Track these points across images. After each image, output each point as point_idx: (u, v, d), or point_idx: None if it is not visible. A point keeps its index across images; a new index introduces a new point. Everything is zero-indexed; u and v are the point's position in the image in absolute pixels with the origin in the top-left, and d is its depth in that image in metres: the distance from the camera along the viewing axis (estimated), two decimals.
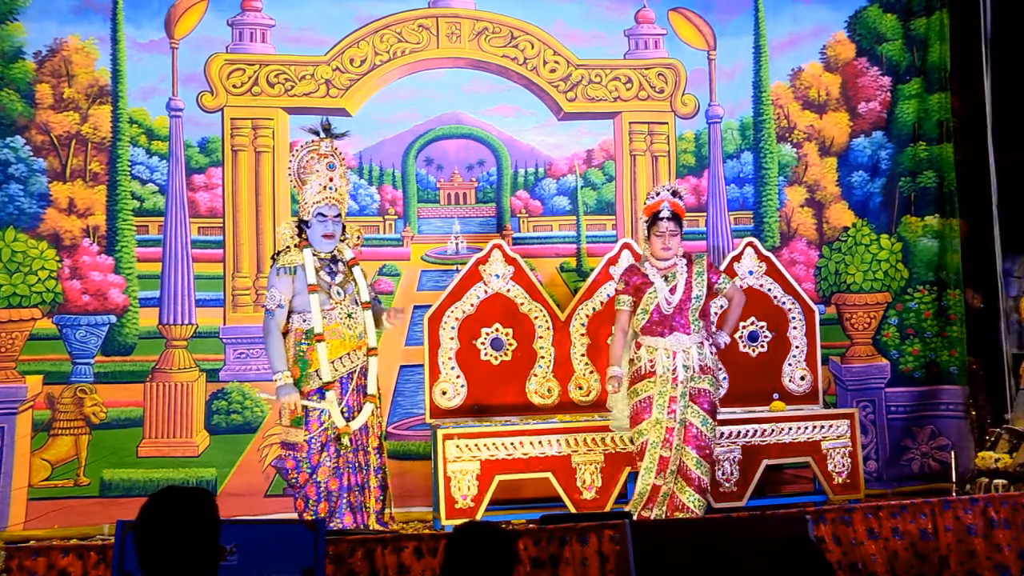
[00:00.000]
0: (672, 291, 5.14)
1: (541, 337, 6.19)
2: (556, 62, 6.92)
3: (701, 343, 5.15)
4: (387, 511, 4.82)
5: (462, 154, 6.83)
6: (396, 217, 6.68)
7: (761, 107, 7.11)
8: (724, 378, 6.31)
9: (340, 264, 4.85)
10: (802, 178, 7.14)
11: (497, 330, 6.16)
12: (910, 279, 7.13)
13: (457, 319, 6.09)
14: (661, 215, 5.18)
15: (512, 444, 5.68)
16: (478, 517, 5.18)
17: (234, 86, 6.54)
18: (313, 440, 4.67)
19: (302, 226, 4.84)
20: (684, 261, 5.23)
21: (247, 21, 6.60)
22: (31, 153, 6.21)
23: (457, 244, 6.74)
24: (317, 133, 4.88)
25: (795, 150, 7.14)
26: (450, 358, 6.05)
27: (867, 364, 7.05)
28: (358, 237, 5.03)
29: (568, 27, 6.95)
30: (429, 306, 6.15)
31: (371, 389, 4.79)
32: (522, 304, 6.18)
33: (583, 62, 6.94)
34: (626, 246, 6.34)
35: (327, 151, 4.81)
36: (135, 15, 6.41)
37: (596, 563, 4.00)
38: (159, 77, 6.43)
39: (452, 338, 6.08)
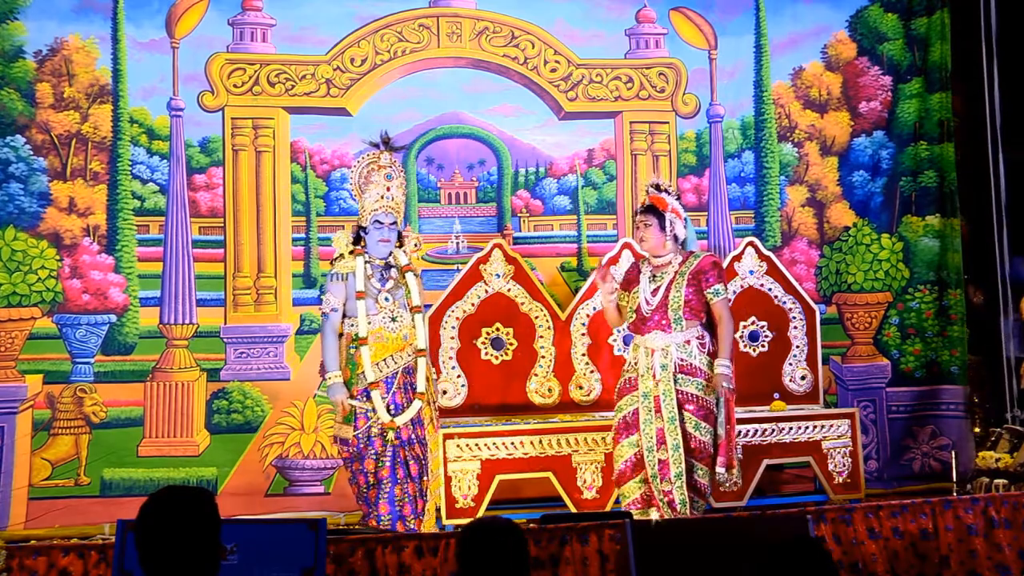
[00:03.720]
0: (654, 292, 5.09)
1: (542, 337, 6.19)
2: (557, 61, 6.92)
3: (687, 342, 5.04)
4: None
5: (463, 154, 6.83)
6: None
7: (762, 106, 7.11)
8: None
9: (393, 270, 5.03)
10: (803, 177, 7.14)
11: (498, 330, 6.16)
12: (911, 279, 7.12)
13: (458, 319, 6.09)
14: (637, 208, 5.27)
15: (512, 444, 5.68)
16: (479, 517, 5.18)
17: (235, 86, 6.54)
18: (360, 435, 4.86)
19: (360, 232, 5.03)
20: (679, 259, 5.13)
21: (248, 21, 6.60)
22: (31, 152, 6.21)
23: (458, 243, 6.74)
24: (377, 146, 5.06)
25: (796, 149, 7.14)
26: (451, 357, 6.05)
27: (868, 364, 7.04)
28: (416, 245, 5.22)
29: (569, 27, 6.95)
30: (430, 306, 6.14)
31: (420, 387, 4.94)
32: (523, 304, 6.18)
33: (584, 61, 6.94)
34: (627, 246, 6.33)
35: (386, 163, 5.02)
36: (135, 14, 6.41)
37: (596, 562, 4.00)
38: (160, 76, 6.43)
39: (453, 337, 6.08)
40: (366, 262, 4.96)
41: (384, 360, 4.90)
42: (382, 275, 4.98)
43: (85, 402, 6.15)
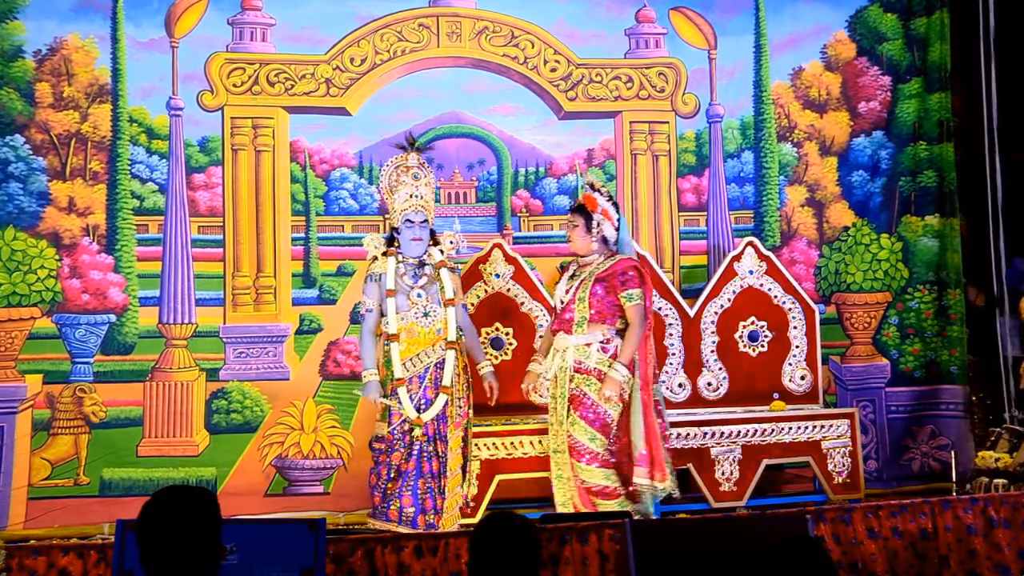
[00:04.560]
0: (567, 291, 5.13)
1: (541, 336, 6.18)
2: (557, 61, 6.92)
3: (588, 344, 5.01)
4: (467, 495, 5.19)
5: (462, 153, 6.83)
6: None
7: (762, 106, 7.11)
8: (725, 378, 6.32)
9: (427, 267, 5.11)
10: (802, 177, 7.14)
11: (497, 329, 6.16)
12: (910, 279, 7.12)
13: None
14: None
15: (512, 444, 5.68)
16: (478, 517, 5.18)
17: (234, 85, 6.54)
18: (395, 431, 4.94)
19: (393, 234, 5.14)
20: (599, 259, 5.11)
21: (247, 20, 6.60)
22: (31, 152, 6.20)
23: (457, 243, 6.73)
24: (404, 148, 5.16)
25: (795, 149, 7.14)
26: None
27: (867, 364, 7.04)
28: (451, 243, 5.28)
29: (569, 26, 6.95)
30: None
31: (446, 381, 4.98)
32: (522, 303, 6.18)
33: (584, 61, 6.94)
34: None
35: (413, 164, 5.13)
36: (135, 14, 6.41)
37: (596, 562, 4.00)
38: (159, 76, 6.43)
39: None
40: (399, 261, 5.05)
41: (417, 355, 4.97)
42: (415, 272, 5.07)
43: (85, 402, 6.15)
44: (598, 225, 5.10)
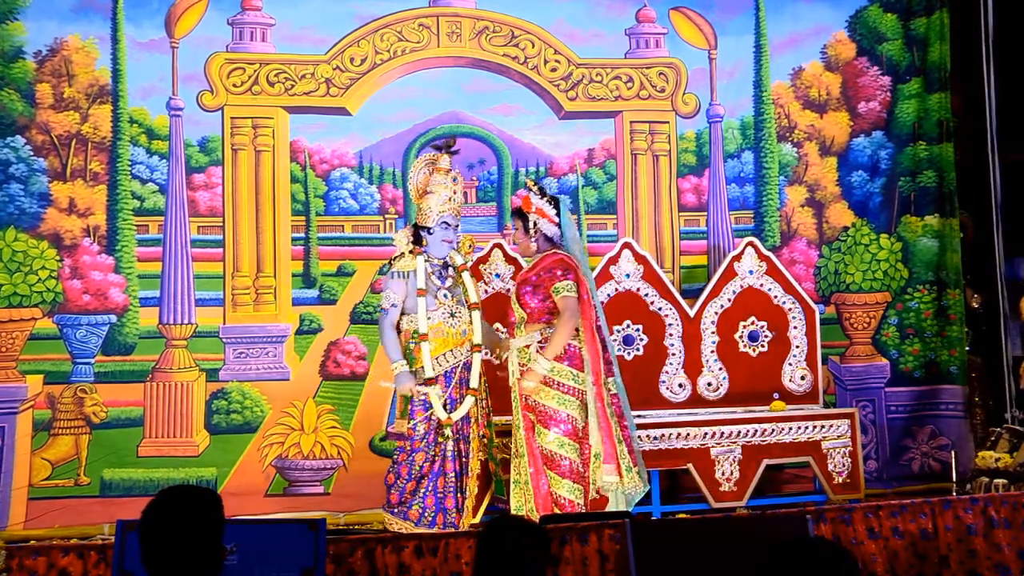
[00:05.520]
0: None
1: None
2: (557, 61, 6.92)
3: (527, 346, 4.97)
4: (484, 499, 5.21)
5: (462, 153, 6.69)
6: (396, 216, 6.68)
7: (762, 106, 7.11)
8: (725, 378, 6.32)
9: (451, 269, 5.15)
10: (802, 178, 7.14)
11: (498, 330, 6.15)
12: (910, 279, 7.12)
13: None
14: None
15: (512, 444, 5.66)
16: (478, 518, 5.18)
17: (234, 85, 6.55)
18: (417, 427, 4.93)
19: (419, 232, 5.12)
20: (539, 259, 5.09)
21: (247, 20, 6.61)
22: (31, 153, 6.21)
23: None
24: (440, 149, 5.19)
25: (795, 149, 7.14)
26: None
27: (867, 364, 7.04)
28: (470, 246, 5.31)
29: (569, 26, 6.96)
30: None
31: (473, 383, 5.02)
32: None
33: (584, 61, 6.94)
34: (626, 246, 6.34)
35: (447, 166, 5.16)
36: (135, 14, 6.42)
37: (596, 562, 3.99)
38: (159, 76, 6.44)
39: None
40: (425, 261, 5.06)
41: (444, 355, 4.99)
42: (441, 273, 5.10)
43: (85, 402, 6.15)
44: (535, 225, 5.05)
